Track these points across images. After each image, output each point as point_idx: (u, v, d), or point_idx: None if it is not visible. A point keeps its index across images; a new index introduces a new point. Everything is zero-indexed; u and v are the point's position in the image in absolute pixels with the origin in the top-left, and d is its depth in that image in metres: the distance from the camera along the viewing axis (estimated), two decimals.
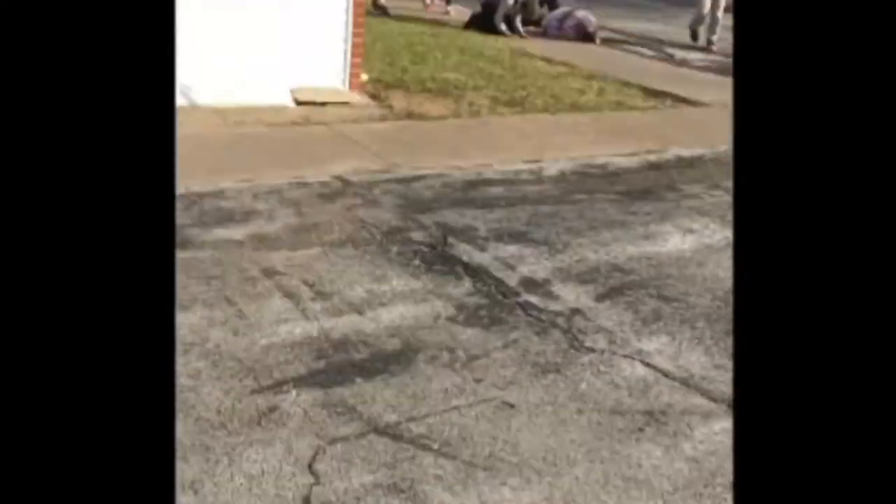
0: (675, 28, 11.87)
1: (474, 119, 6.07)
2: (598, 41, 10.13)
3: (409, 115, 6.01)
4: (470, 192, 4.54)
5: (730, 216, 4.45)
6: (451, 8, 11.61)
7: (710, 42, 9.92)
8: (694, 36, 10.04)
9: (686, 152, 5.61)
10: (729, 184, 5.02)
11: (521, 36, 9.76)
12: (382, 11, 10.63)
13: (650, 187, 4.91)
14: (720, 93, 7.51)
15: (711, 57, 9.67)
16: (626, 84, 7.64)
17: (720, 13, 9.84)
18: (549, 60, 8.54)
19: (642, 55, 9.72)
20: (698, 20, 10.01)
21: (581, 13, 10.36)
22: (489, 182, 4.74)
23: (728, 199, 4.77)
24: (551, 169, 5.07)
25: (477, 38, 9.55)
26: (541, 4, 10.97)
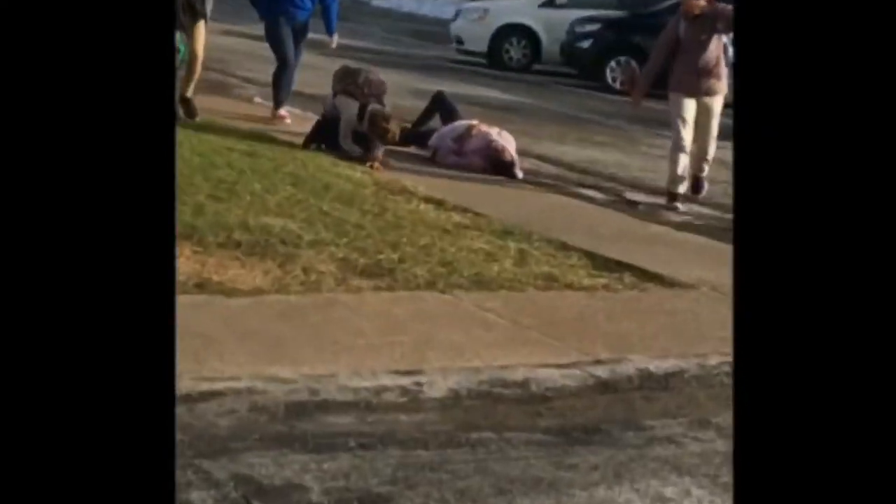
0: (638, 159, 12.51)
1: (311, 296, 6.10)
2: (517, 175, 10.49)
3: (201, 287, 5.96)
4: (297, 423, 4.49)
5: (725, 477, 4.50)
6: (285, 112, 11.99)
7: (697, 183, 10.26)
8: (672, 197, 10.13)
9: (656, 365, 5.72)
10: (723, 420, 5.12)
11: (372, 165, 10.03)
12: (186, 110, 10.89)
13: (598, 422, 4.95)
14: (710, 267, 7.79)
15: (697, 208, 10.11)
16: (562, 247, 7.85)
17: (711, 145, 10.14)
18: (439, 204, 8.71)
19: (588, 200, 9.98)
20: (677, 167, 10.01)
21: (491, 131, 10.75)
22: (331, 406, 4.71)
23: (722, 445, 4.86)
24: (437, 386, 5.05)
25: (322, 163, 9.73)
26: (428, 115, 11.45)
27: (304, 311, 5.88)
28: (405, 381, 5.08)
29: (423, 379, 5.13)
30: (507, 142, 10.74)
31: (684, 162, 9.94)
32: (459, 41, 23.46)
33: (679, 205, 10.00)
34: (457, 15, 23.95)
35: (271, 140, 10.63)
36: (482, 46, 22.69)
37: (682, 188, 10.06)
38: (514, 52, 22.65)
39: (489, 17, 22.88)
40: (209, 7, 11.11)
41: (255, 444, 4.25)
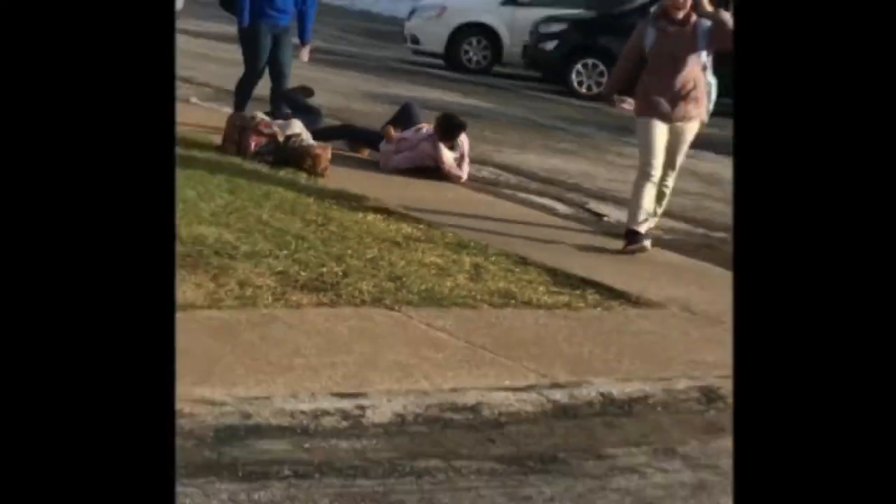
0: (604, 168, 12.60)
1: (246, 312, 6.11)
2: (460, 178, 10.75)
3: None
4: (228, 448, 4.47)
5: None
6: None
7: (661, 195, 9.25)
8: (633, 237, 8.95)
9: (619, 389, 5.71)
10: (690, 450, 5.15)
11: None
12: None
13: (555, 450, 4.93)
14: (680, 285, 7.89)
15: (668, 223, 10.05)
16: (521, 262, 7.93)
17: (673, 175, 9.31)
18: (388, 213, 8.86)
19: (549, 212, 10.10)
20: (642, 199, 8.92)
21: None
22: (265, 431, 4.69)
23: (689, 476, 4.86)
24: (381, 410, 5.04)
25: (262, 170, 9.81)
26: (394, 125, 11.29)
27: (237, 327, 5.85)
28: (347, 405, 5.04)
29: (366, 402, 5.10)
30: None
31: (651, 194, 8.91)
32: (415, 41, 23.46)
33: (646, 244, 8.90)
34: (412, 13, 23.94)
35: (209, 146, 10.63)
36: (439, 47, 22.73)
37: (647, 225, 9.01)
38: (474, 53, 22.72)
39: (446, 15, 22.90)
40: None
41: (180, 471, 4.13)
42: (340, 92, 15.85)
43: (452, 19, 22.77)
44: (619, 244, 8.93)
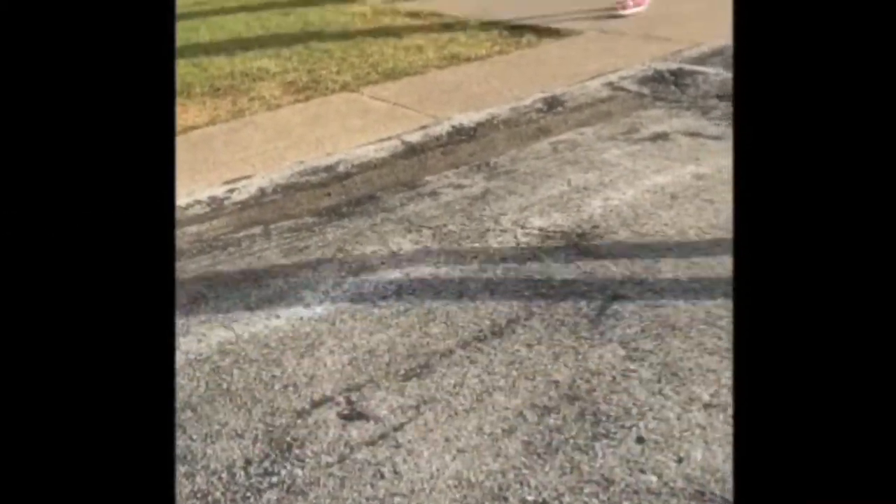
0: None
1: (233, 122, 5.54)
2: None
3: None
4: None
5: (452, 225, 3.77)
6: None
7: None
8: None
9: (473, 118, 4.89)
10: (502, 160, 4.32)
11: None
12: None
13: (378, 190, 4.23)
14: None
15: None
16: (489, 25, 7.20)
17: None
18: (416, 15, 8.15)
19: None
20: None
21: None
22: None
23: (479, 189, 4.05)
24: (251, 188, 4.43)
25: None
26: None
27: (211, 137, 5.23)
28: (222, 191, 4.42)
29: (245, 183, 4.46)
30: None
31: None
32: None
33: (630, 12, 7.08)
34: None
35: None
36: None
37: None
38: None
39: None
40: None
41: None
42: None
43: None
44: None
